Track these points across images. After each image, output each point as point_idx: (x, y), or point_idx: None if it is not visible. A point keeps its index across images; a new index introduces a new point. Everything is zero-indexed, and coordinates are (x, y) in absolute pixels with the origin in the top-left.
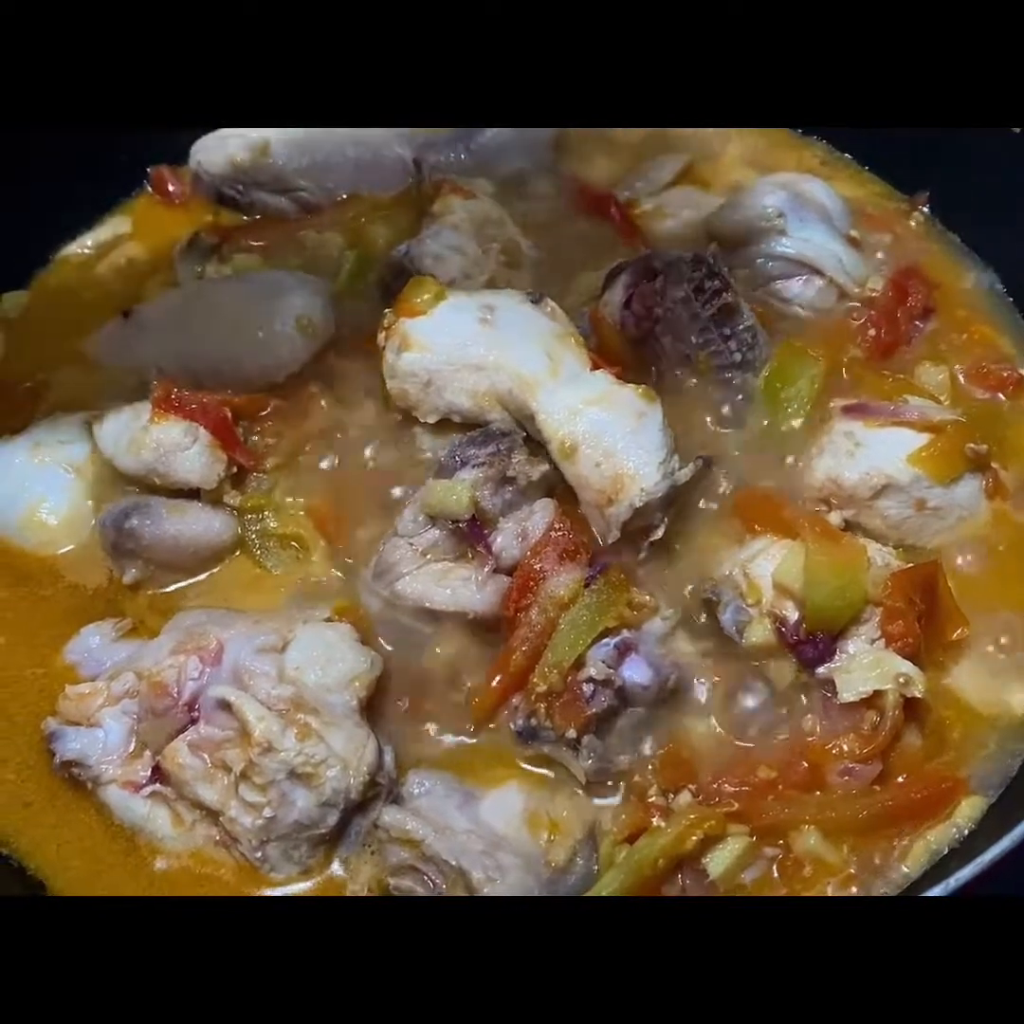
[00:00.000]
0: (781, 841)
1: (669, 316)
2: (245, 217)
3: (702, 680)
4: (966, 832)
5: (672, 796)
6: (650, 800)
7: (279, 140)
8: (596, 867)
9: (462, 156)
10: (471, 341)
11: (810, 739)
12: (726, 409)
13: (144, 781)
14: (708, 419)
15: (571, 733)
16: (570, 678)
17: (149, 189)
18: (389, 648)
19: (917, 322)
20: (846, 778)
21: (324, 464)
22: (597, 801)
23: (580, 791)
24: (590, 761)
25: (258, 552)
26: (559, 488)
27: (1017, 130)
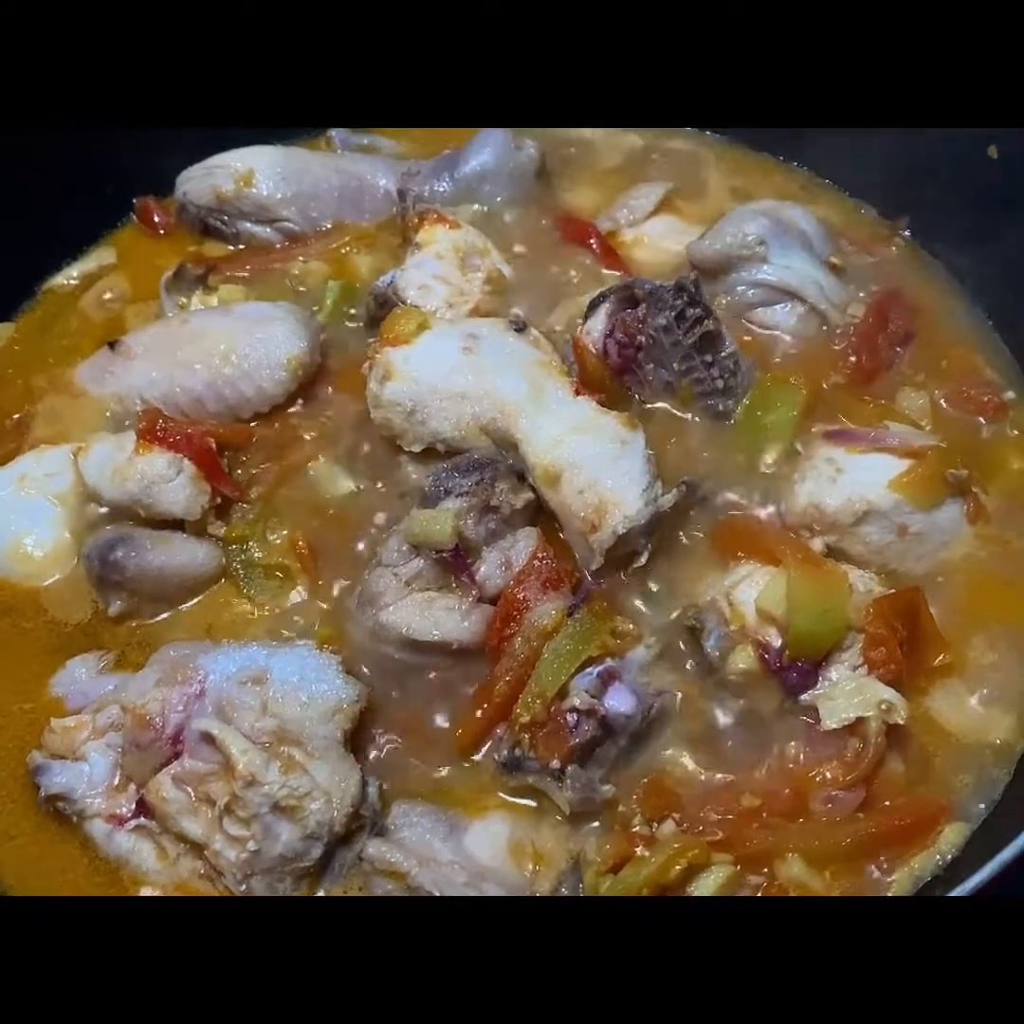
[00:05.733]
0: (765, 869)
1: (651, 344)
2: (230, 247)
3: (685, 708)
4: (949, 858)
5: (656, 825)
6: (634, 829)
7: (264, 170)
8: None
9: (446, 186)
10: (455, 370)
11: (793, 766)
12: (708, 436)
13: (128, 815)
14: (690, 446)
15: (555, 763)
16: (554, 708)
17: (135, 220)
18: (373, 678)
19: (898, 347)
20: (830, 805)
21: (308, 494)
22: (581, 831)
23: (564, 821)
24: (574, 791)
25: (242, 582)
26: (542, 516)
27: (994, 154)
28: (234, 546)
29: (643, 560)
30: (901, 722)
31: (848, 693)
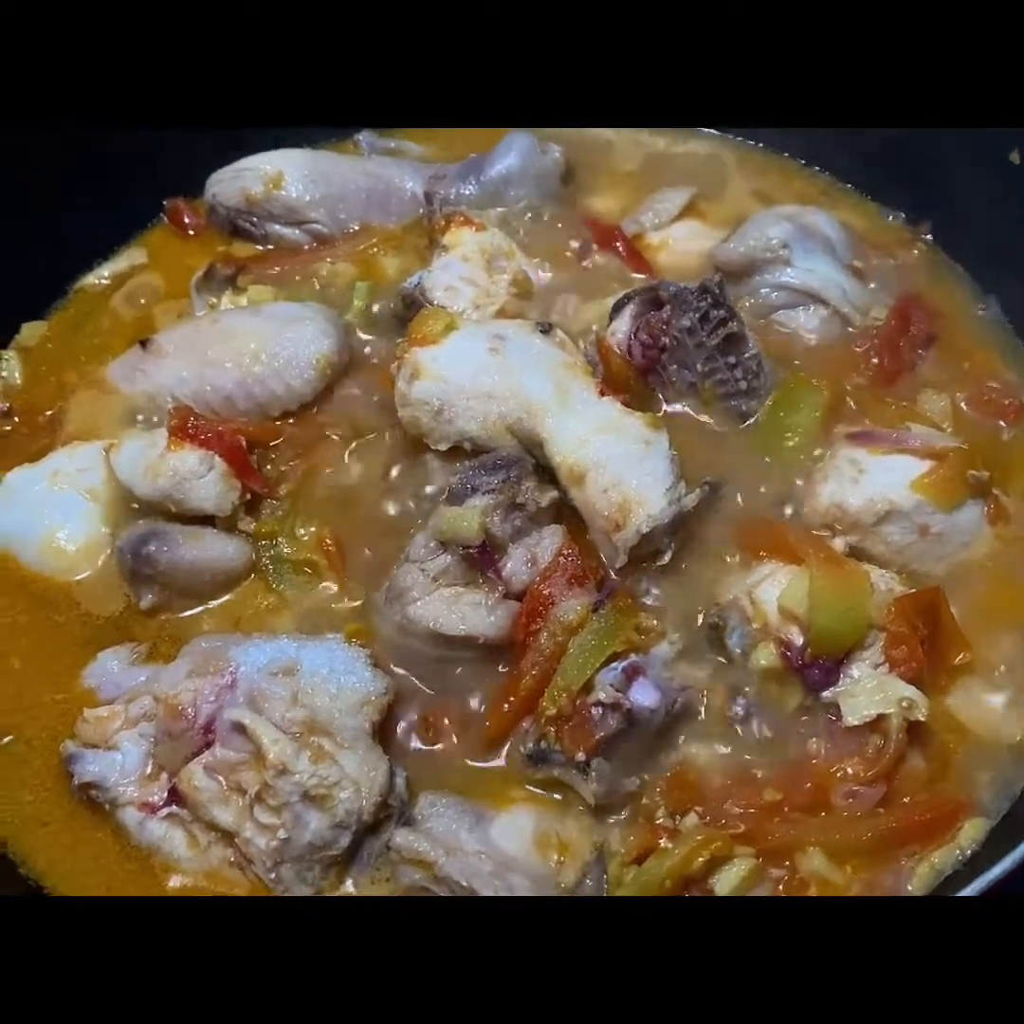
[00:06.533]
0: (787, 862)
1: (675, 345)
2: (259, 248)
3: (708, 703)
4: (969, 853)
5: (679, 818)
6: (658, 822)
7: (292, 173)
8: (605, 888)
9: (472, 188)
10: (481, 370)
11: (815, 762)
12: (731, 436)
13: (160, 803)
14: (713, 446)
15: (580, 756)
16: (579, 702)
17: (165, 221)
18: (401, 672)
19: (919, 350)
20: (851, 800)
21: (336, 491)
22: (606, 823)
23: (589, 813)
24: (599, 784)
25: (271, 577)
26: (567, 514)
27: (1016, 159)
28: (263, 541)
29: (666, 558)
30: (922, 719)
31: (869, 690)
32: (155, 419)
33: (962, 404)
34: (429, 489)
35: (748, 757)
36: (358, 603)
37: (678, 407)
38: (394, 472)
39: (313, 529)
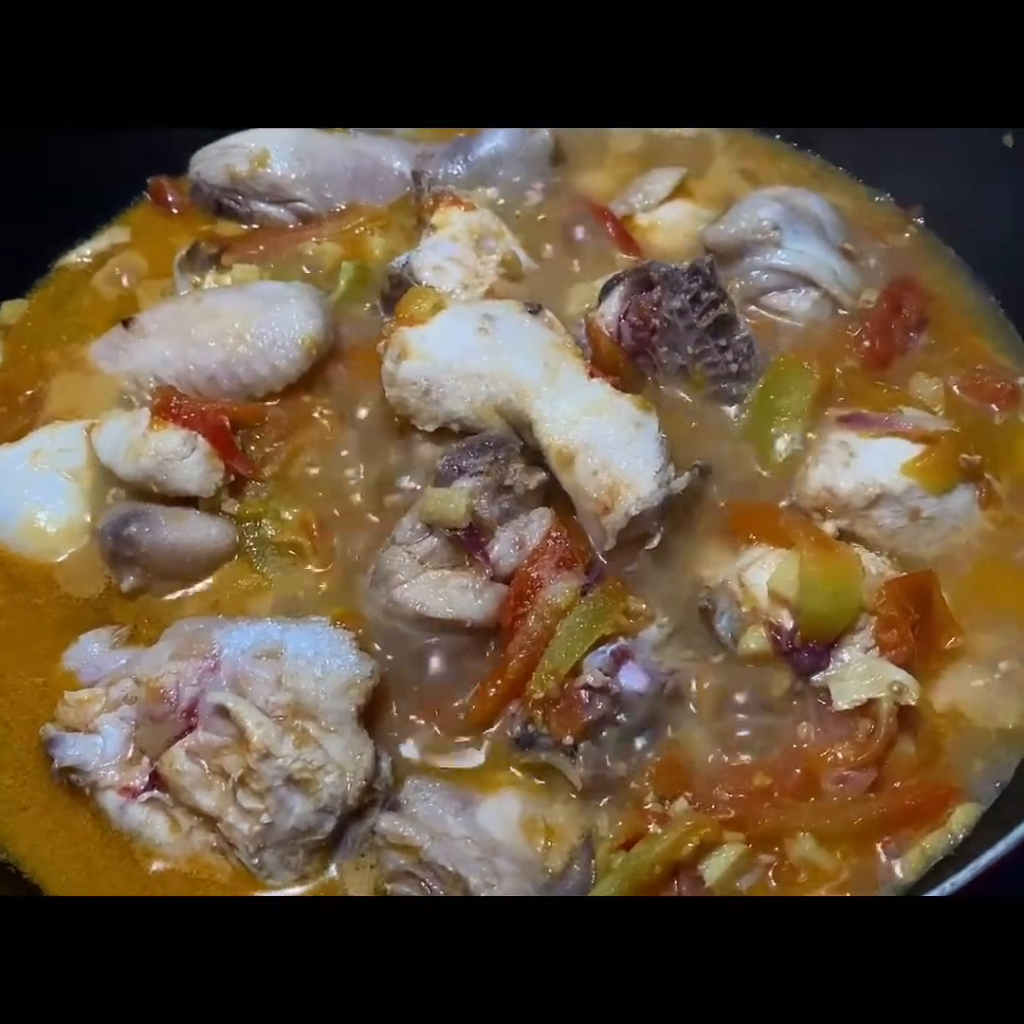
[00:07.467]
0: (776, 848)
1: (666, 327)
2: (244, 227)
3: (697, 688)
4: (960, 838)
5: (668, 803)
6: (647, 807)
7: (278, 151)
8: (593, 873)
9: (460, 168)
10: (470, 350)
11: (805, 746)
12: (721, 419)
13: (142, 787)
14: (703, 429)
15: (568, 740)
16: (567, 685)
17: (148, 199)
18: (387, 655)
19: (911, 334)
20: (841, 785)
21: (321, 473)
22: (594, 808)
23: (577, 798)
24: (586, 768)
25: (256, 559)
26: (556, 497)
27: (1009, 143)
28: (247, 523)
29: (655, 542)
30: (912, 703)
31: (860, 674)
32: (137, 399)
33: (954, 388)
34: (416, 471)
35: (737, 742)
36: (343, 586)
37: (668, 389)
38: (381, 454)
39: (297, 511)
